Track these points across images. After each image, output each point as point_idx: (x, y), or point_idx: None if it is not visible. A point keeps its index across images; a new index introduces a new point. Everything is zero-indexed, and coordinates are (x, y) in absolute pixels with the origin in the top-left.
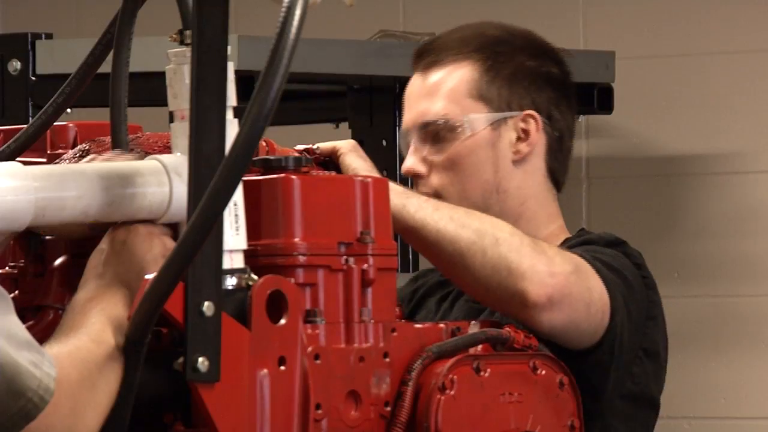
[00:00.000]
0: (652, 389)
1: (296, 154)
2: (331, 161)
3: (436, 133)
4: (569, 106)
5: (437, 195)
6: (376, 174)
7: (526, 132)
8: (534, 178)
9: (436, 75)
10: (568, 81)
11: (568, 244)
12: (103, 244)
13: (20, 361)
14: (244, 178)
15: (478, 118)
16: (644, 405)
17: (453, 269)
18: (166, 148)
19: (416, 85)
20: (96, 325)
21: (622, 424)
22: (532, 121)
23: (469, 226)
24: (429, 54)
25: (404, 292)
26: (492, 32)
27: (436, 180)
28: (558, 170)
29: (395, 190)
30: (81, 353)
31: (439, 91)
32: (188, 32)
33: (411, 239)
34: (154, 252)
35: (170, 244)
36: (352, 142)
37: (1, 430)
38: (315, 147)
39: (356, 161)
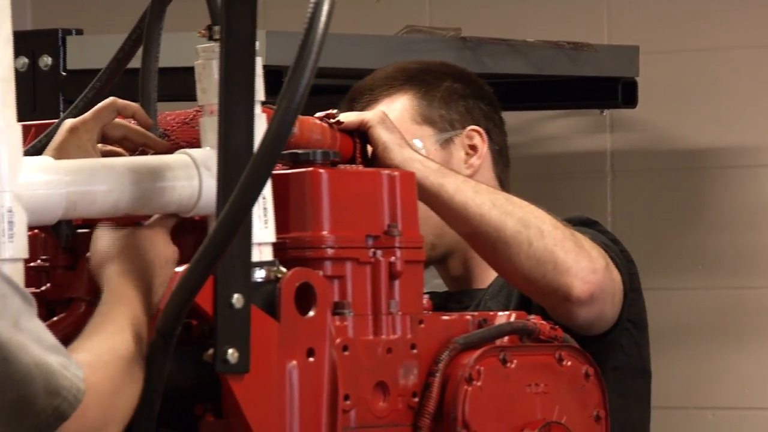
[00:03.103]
0: (644, 358)
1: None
2: (357, 132)
3: None
4: (500, 119)
5: None
6: (405, 144)
7: (473, 147)
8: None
9: None
10: (493, 97)
11: None
12: (119, 246)
13: (51, 362)
14: (273, 172)
15: (427, 140)
16: (637, 375)
17: (495, 255)
18: (185, 124)
19: None
20: (118, 328)
21: (617, 397)
22: (476, 135)
23: (513, 214)
24: (361, 96)
25: None
26: (413, 66)
27: None
28: (504, 179)
29: (430, 167)
30: (106, 356)
31: None
32: (217, 28)
33: (449, 219)
34: (167, 253)
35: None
36: (380, 112)
37: (40, 430)
38: (335, 112)
39: (385, 134)
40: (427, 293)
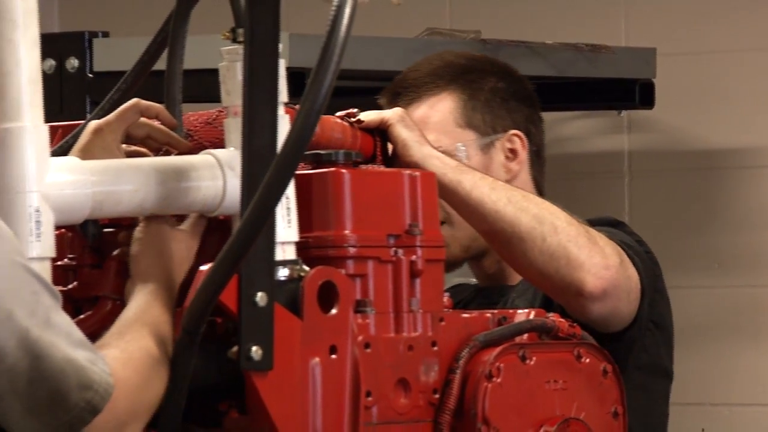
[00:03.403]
0: (664, 359)
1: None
2: (378, 131)
3: None
4: (540, 119)
5: (442, 222)
6: (425, 142)
7: (513, 151)
8: (525, 190)
9: (419, 110)
10: (534, 95)
11: None
12: (144, 247)
13: (79, 357)
14: (296, 172)
15: (469, 144)
16: (659, 375)
17: (509, 251)
18: (207, 124)
19: None
20: (146, 328)
21: (640, 395)
22: (517, 140)
23: (528, 210)
24: (405, 92)
25: None
26: (458, 61)
27: (442, 212)
28: (540, 180)
29: (448, 164)
30: (135, 354)
31: (427, 125)
32: (241, 30)
33: (466, 215)
34: (190, 254)
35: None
36: (399, 111)
37: (72, 424)
38: (355, 111)
39: (405, 132)
40: (457, 285)
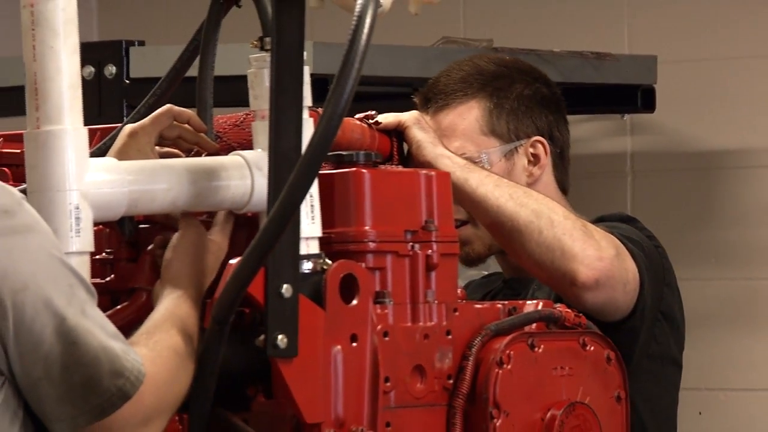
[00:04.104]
0: (673, 349)
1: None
2: (395, 132)
3: None
4: (564, 121)
5: (465, 223)
6: (438, 143)
7: (535, 156)
8: (547, 191)
9: (447, 117)
10: (559, 97)
11: None
12: (178, 254)
13: (114, 346)
14: (319, 172)
15: (493, 152)
16: (668, 363)
17: (510, 243)
18: (236, 126)
19: None
20: (175, 328)
21: (650, 383)
22: (539, 145)
23: (527, 205)
24: (436, 98)
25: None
26: (489, 67)
27: (460, 211)
28: (563, 179)
29: (458, 163)
30: (164, 352)
31: (454, 132)
32: (268, 39)
33: (472, 211)
34: (218, 262)
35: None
36: (415, 114)
37: (103, 408)
38: (374, 113)
39: (420, 133)
40: (490, 274)
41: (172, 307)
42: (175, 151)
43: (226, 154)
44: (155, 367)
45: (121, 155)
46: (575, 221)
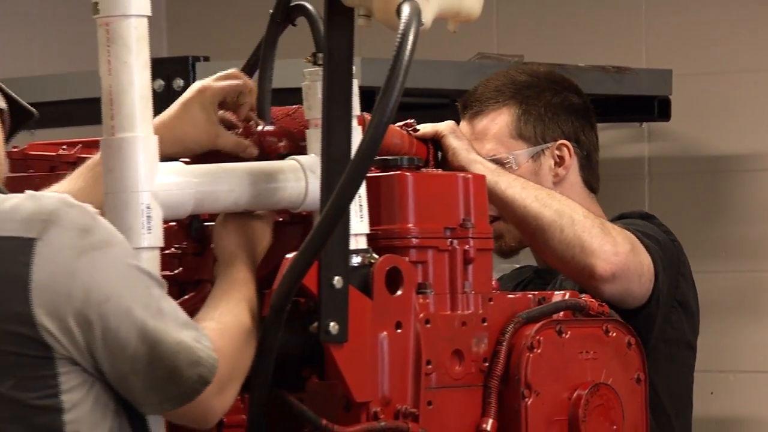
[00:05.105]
0: (688, 334)
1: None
2: (432, 141)
3: None
4: (591, 126)
5: (497, 219)
6: (471, 150)
7: (561, 158)
8: (574, 190)
9: (481, 122)
10: (587, 105)
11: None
12: (231, 234)
13: (186, 338)
14: (367, 175)
15: (520, 154)
16: (683, 347)
17: (535, 240)
18: (287, 116)
19: (466, 131)
20: (237, 302)
21: (666, 363)
22: (564, 148)
23: (551, 206)
24: (472, 105)
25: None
26: (521, 78)
27: (493, 208)
28: (591, 179)
29: (489, 168)
30: (230, 324)
31: (486, 136)
32: (320, 55)
33: (502, 210)
34: (267, 240)
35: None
36: (451, 123)
37: (187, 395)
38: (412, 121)
39: (455, 141)
40: (522, 267)
41: (228, 282)
42: (232, 118)
43: (279, 137)
44: (224, 340)
45: (185, 106)
46: (594, 220)
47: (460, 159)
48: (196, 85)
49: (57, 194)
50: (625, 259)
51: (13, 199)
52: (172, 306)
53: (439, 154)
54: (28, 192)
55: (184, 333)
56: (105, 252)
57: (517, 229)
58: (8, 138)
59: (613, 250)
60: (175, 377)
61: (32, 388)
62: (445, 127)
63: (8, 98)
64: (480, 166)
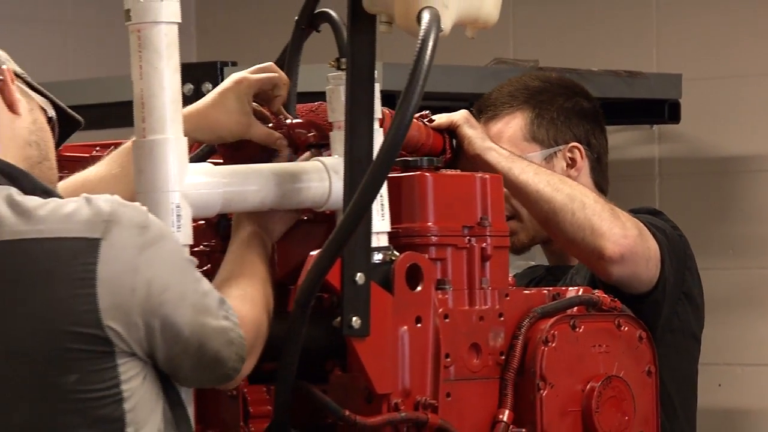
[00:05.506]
0: (693, 325)
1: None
2: (447, 130)
3: None
4: (601, 130)
5: (510, 218)
6: (486, 138)
7: (573, 160)
8: None
9: (496, 126)
10: (597, 110)
11: None
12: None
13: (219, 323)
14: (388, 175)
15: (534, 156)
16: (689, 338)
17: (547, 223)
18: (311, 112)
19: None
20: (254, 273)
21: (672, 353)
22: (576, 151)
23: (562, 190)
24: (487, 109)
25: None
26: (534, 84)
27: (510, 207)
28: (601, 181)
29: (503, 155)
30: (249, 290)
31: (501, 139)
32: (344, 60)
33: (515, 195)
34: (282, 230)
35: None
36: (465, 113)
37: (228, 375)
38: (428, 112)
39: (470, 130)
40: (534, 266)
41: (248, 258)
42: (264, 110)
43: (307, 129)
44: (246, 306)
45: (221, 96)
46: (604, 204)
47: (475, 147)
48: (233, 76)
49: (108, 195)
50: (633, 242)
51: (71, 203)
52: (210, 288)
53: (455, 142)
54: (83, 195)
55: (221, 321)
56: (161, 246)
57: (530, 212)
58: (57, 146)
59: (622, 233)
60: (219, 361)
61: (95, 381)
62: (459, 117)
63: (56, 107)
64: (494, 153)
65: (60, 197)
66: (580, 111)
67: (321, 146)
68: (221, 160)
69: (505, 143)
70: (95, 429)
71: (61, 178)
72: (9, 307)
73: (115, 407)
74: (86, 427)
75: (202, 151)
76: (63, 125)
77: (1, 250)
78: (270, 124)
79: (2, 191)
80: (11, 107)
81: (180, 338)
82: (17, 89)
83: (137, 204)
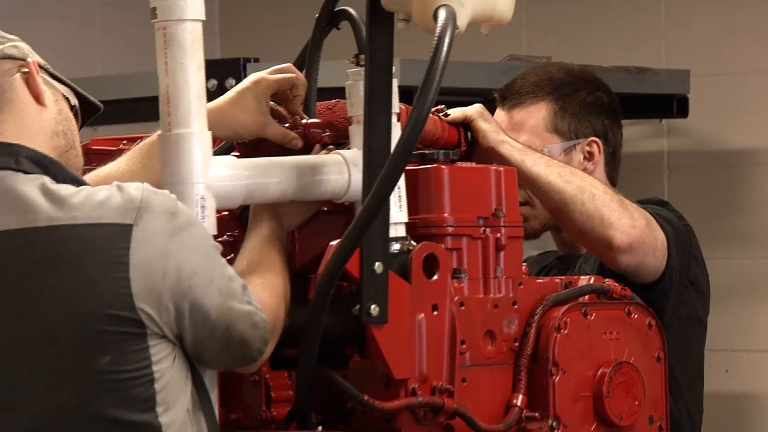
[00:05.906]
0: (699, 312)
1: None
2: (462, 124)
3: None
4: (619, 125)
5: (523, 204)
6: (500, 131)
7: (590, 154)
8: None
9: (519, 114)
10: (616, 105)
11: None
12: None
13: (244, 307)
14: (406, 168)
15: (554, 147)
16: (695, 324)
17: (557, 214)
18: (328, 110)
19: (503, 120)
20: (273, 263)
21: (679, 339)
22: (595, 145)
23: (572, 182)
24: (512, 97)
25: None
26: (558, 75)
27: (523, 194)
28: (613, 175)
29: (516, 147)
30: (269, 276)
31: (523, 127)
32: (363, 56)
33: (528, 186)
34: (299, 221)
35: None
36: (479, 106)
37: (252, 357)
38: (443, 106)
39: (484, 124)
40: (545, 252)
41: (258, 247)
42: (282, 110)
43: (322, 129)
44: (266, 293)
45: (240, 95)
46: (612, 195)
47: (490, 140)
48: (253, 76)
49: (138, 183)
50: (641, 232)
51: (104, 190)
52: (234, 274)
53: (470, 135)
54: (115, 183)
55: (245, 306)
56: (190, 232)
57: (542, 203)
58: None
59: (630, 223)
60: (245, 341)
61: (127, 362)
62: (473, 111)
63: (77, 95)
64: (508, 146)
65: (89, 185)
66: (601, 106)
67: (337, 145)
68: None
69: (526, 132)
70: (126, 408)
71: (89, 170)
72: (45, 292)
73: (146, 387)
74: (118, 407)
75: (221, 148)
76: (84, 112)
77: (37, 236)
78: (286, 124)
79: (36, 180)
80: (38, 99)
81: (208, 321)
82: (42, 80)
83: (166, 191)
